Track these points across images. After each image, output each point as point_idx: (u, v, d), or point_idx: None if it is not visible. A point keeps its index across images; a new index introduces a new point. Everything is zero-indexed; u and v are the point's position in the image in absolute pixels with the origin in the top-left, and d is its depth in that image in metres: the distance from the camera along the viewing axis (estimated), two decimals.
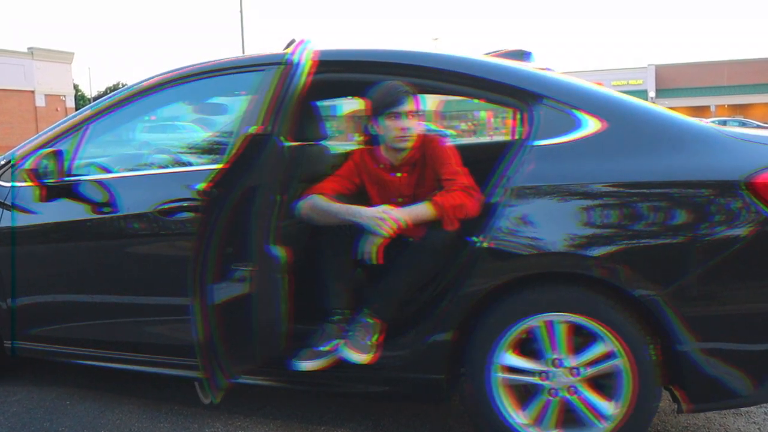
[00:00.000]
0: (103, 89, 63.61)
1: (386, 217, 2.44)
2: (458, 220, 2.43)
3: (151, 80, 2.94)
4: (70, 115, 3.07)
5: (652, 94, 48.39)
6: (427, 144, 2.69)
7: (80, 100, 51.27)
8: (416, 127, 2.62)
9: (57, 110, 39.08)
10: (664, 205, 2.22)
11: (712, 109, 47.91)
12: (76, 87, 52.25)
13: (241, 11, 35.01)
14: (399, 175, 2.71)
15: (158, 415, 2.91)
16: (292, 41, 2.65)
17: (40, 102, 38.46)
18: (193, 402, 2.96)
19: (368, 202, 2.71)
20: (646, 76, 50.00)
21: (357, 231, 2.54)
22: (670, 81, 49.79)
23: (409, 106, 2.59)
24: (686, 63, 51.44)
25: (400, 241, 2.61)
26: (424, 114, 2.74)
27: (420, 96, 2.65)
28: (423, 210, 2.47)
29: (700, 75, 49.31)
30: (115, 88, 55.21)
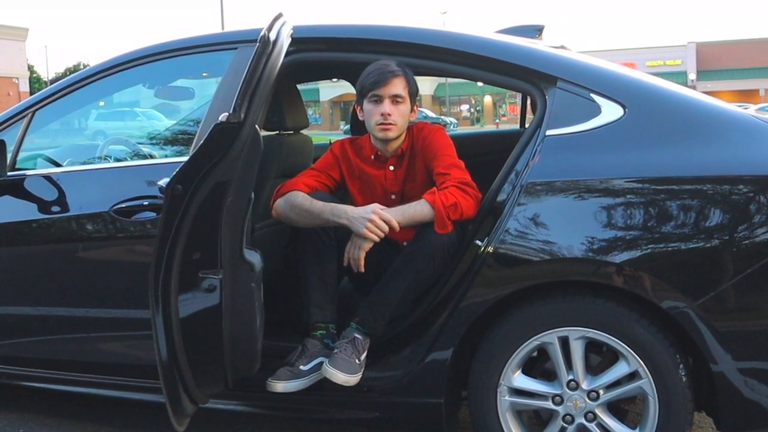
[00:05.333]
0: (61, 71, 63.75)
1: (376, 218, 2.43)
2: (452, 222, 2.43)
3: (107, 61, 2.94)
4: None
5: (692, 75, 48.44)
6: (417, 132, 2.68)
7: (35, 83, 51.33)
8: (401, 115, 2.60)
9: (9, 95, 39.16)
10: (697, 204, 2.21)
11: (761, 93, 47.93)
12: (30, 68, 52.29)
13: None
14: (385, 168, 2.70)
15: None
16: (279, 16, 2.65)
17: None
18: (166, 428, 2.94)
19: (349, 199, 2.70)
20: (686, 55, 50.04)
21: (343, 234, 2.53)
22: (714, 61, 49.81)
23: (394, 88, 2.57)
24: (731, 40, 51.49)
25: (392, 245, 2.60)
26: (419, 101, 2.74)
27: (415, 79, 2.64)
28: (419, 209, 2.46)
29: (748, 54, 49.29)
30: (75, 69, 55.28)
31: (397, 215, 2.46)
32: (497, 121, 50.37)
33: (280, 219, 2.62)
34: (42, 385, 2.97)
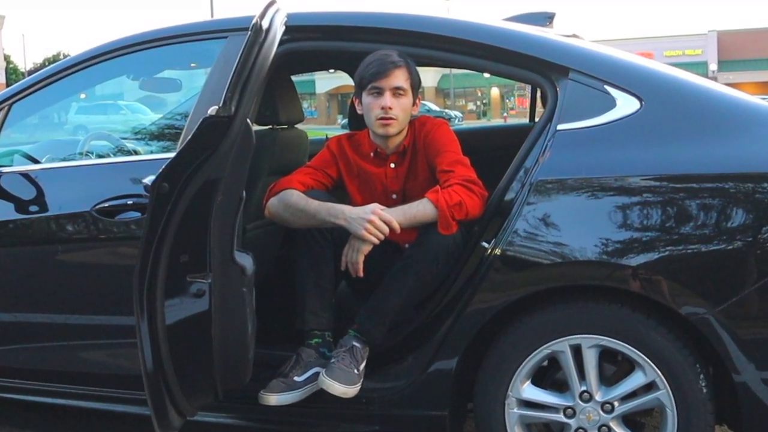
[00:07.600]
0: (40, 61, 63.88)
1: (376, 219, 2.43)
2: (456, 222, 2.43)
3: (89, 50, 2.94)
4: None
5: (713, 66, 48.47)
6: (419, 127, 2.69)
7: (12, 74, 51.41)
8: (403, 109, 2.60)
9: None
10: (718, 203, 2.22)
11: None
12: (7, 58, 52.37)
13: None
14: (385, 165, 2.70)
15: None
16: (272, 2, 2.66)
17: None
18: None
19: (348, 199, 2.70)
20: (707, 44, 50.06)
21: (340, 235, 2.53)
22: (736, 50, 49.81)
23: (395, 80, 2.57)
24: (755, 29, 51.43)
25: (393, 247, 2.60)
26: (421, 93, 2.74)
27: (417, 70, 2.64)
28: (421, 209, 2.46)
29: None
30: (54, 60, 55.35)
31: (398, 215, 2.46)
32: (505, 114, 50.38)
33: (274, 219, 2.63)
34: (19, 397, 2.98)
